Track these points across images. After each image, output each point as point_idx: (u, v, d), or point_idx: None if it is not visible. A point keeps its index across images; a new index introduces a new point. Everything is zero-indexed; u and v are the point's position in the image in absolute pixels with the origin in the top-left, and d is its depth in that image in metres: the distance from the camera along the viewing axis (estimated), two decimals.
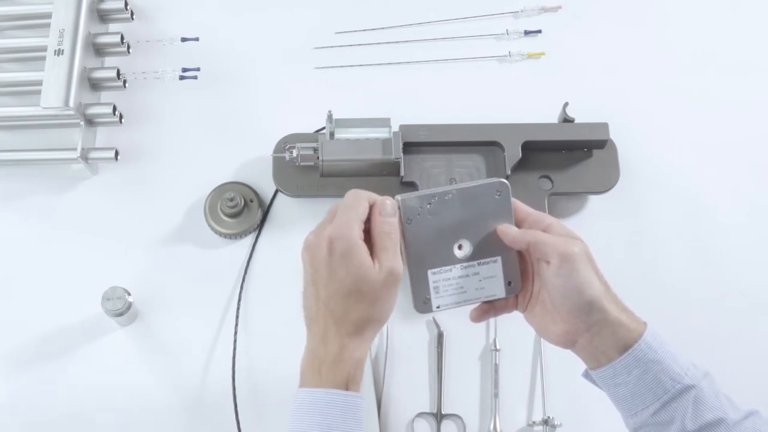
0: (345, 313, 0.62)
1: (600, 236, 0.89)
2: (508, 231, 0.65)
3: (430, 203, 0.67)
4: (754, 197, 0.91)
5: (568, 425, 0.81)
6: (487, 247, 0.68)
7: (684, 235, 0.89)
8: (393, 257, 0.62)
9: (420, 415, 0.82)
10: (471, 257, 0.68)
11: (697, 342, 0.85)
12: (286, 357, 0.84)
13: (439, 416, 0.82)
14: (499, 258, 0.68)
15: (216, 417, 0.81)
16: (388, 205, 0.64)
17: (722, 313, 0.87)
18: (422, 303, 0.68)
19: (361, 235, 0.62)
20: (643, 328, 0.63)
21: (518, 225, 0.66)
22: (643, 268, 0.88)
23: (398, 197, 0.66)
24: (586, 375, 0.66)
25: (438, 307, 0.68)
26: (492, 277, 0.68)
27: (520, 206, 0.67)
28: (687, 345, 0.83)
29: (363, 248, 0.61)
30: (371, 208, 0.64)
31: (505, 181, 0.66)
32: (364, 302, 0.62)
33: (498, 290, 0.68)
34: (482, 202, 0.67)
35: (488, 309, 0.68)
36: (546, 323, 0.65)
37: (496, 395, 0.82)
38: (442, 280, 0.68)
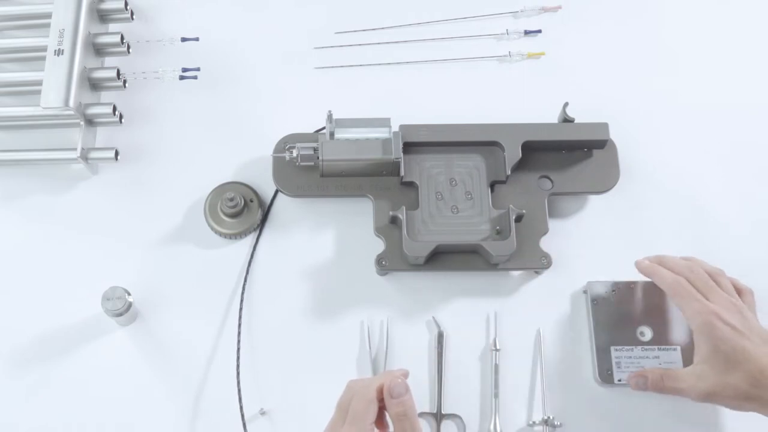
0: None
1: (600, 236, 0.89)
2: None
3: (614, 290, 0.81)
4: (754, 197, 0.91)
5: (568, 425, 0.81)
6: (668, 336, 0.80)
7: (684, 235, 0.89)
8: None
9: (420, 415, 0.82)
10: (652, 341, 0.80)
11: None
12: (287, 356, 0.84)
13: (439, 416, 0.82)
14: (678, 348, 0.78)
15: (217, 417, 0.81)
16: (398, 385, 0.64)
17: None
18: (606, 373, 0.80)
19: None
20: None
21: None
22: None
23: (587, 282, 0.82)
24: None
25: (619, 380, 0.79)
26: (671, 363, 0.79)
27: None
28: None
29: None
30: (382, 391, 0.65)
31: None
32: None
33: None
34: (664, 294, 0.78)
35: None
36: None
37: (496, 395, 0.82)
38: (623, 357, 0.80)
